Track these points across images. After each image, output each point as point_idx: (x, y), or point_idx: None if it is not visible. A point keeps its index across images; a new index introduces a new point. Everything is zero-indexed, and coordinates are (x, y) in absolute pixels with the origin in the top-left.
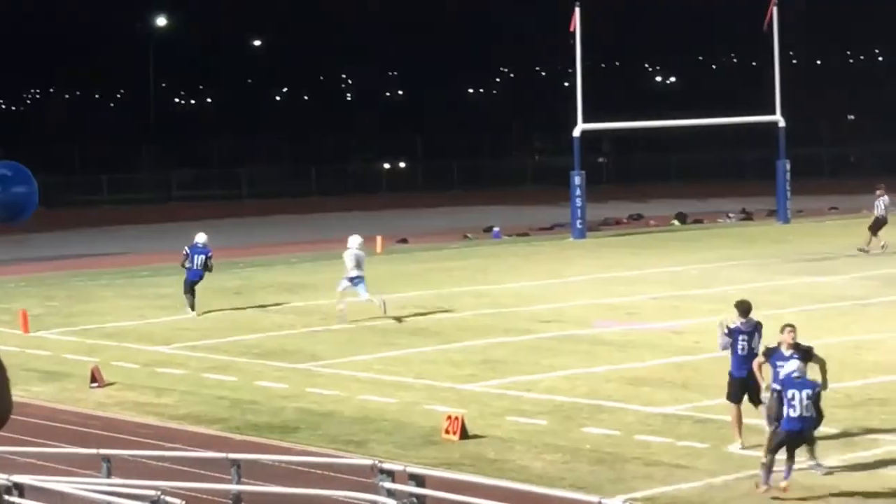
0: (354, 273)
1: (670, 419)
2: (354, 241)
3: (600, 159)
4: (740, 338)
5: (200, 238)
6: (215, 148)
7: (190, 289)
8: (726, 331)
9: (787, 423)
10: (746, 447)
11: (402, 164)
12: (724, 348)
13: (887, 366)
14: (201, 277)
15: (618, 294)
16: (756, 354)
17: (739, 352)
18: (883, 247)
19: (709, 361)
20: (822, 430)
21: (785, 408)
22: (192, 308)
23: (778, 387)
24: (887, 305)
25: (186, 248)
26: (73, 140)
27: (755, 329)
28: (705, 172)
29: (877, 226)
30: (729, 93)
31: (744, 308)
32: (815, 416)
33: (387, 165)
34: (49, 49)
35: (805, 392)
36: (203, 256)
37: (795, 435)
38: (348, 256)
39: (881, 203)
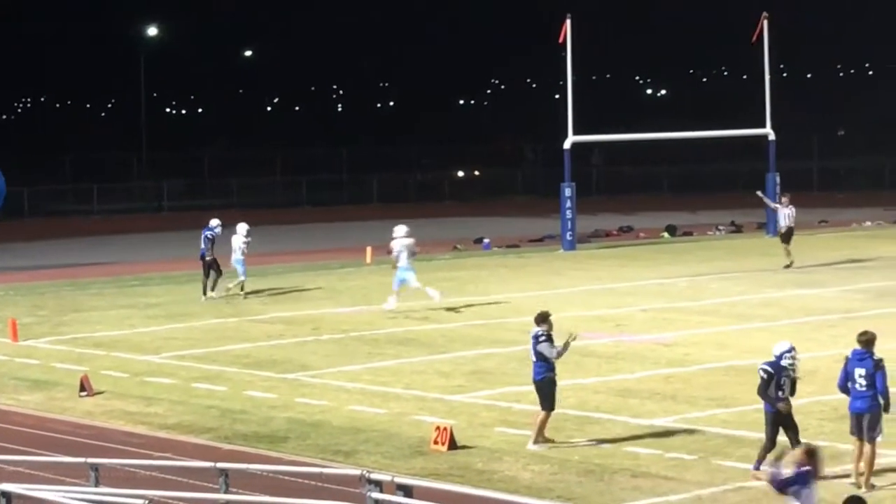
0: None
1: (659, 431)
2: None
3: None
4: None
5: (212, 222)
6: (207, 157)
7: (205, 270)
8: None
9: None
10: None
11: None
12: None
13: None
14: (204, 254)
15: (607, 306)
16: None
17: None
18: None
19: (698, 374)
20: (811, 443)
21: None
22: (204, 292)
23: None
24: (876, 318)
25: None
26: (64, 149)
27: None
28: (695, 185)
29: (787, 237)
30: (719, 105)
31: (541, 317)
32: None
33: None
34: (40, 58)
35: None
36: (202, 235)
37: None
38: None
39: (788, 212)
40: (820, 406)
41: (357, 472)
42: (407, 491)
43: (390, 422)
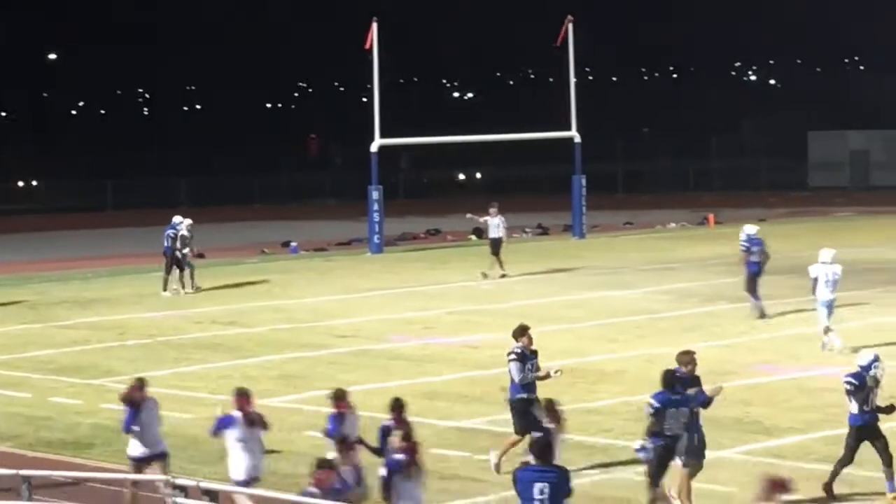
0: None
1: (466, 433)
2: None
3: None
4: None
5: (175, 219)
6: (11, 161)
7: (168, 266)
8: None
9: None
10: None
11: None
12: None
13: None
14: (170, 251)
15: (415, 308)
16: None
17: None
18: (485, 275)
19: (504, 376)
20: (617, 443)
21: None
22: (164, 287)
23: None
24: (680, 319)
25: None
26: None
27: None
28: (502, 188)
29: (496, 247)
30: (526, 108)
31: (518, 331)
32: None
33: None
34: None
35: None
36: (166, 233)
37: None
38: None
39: (498, 222)
40: (626, 406)
41: (163, 477)
42: (213, 496)
43: (197, 426)
